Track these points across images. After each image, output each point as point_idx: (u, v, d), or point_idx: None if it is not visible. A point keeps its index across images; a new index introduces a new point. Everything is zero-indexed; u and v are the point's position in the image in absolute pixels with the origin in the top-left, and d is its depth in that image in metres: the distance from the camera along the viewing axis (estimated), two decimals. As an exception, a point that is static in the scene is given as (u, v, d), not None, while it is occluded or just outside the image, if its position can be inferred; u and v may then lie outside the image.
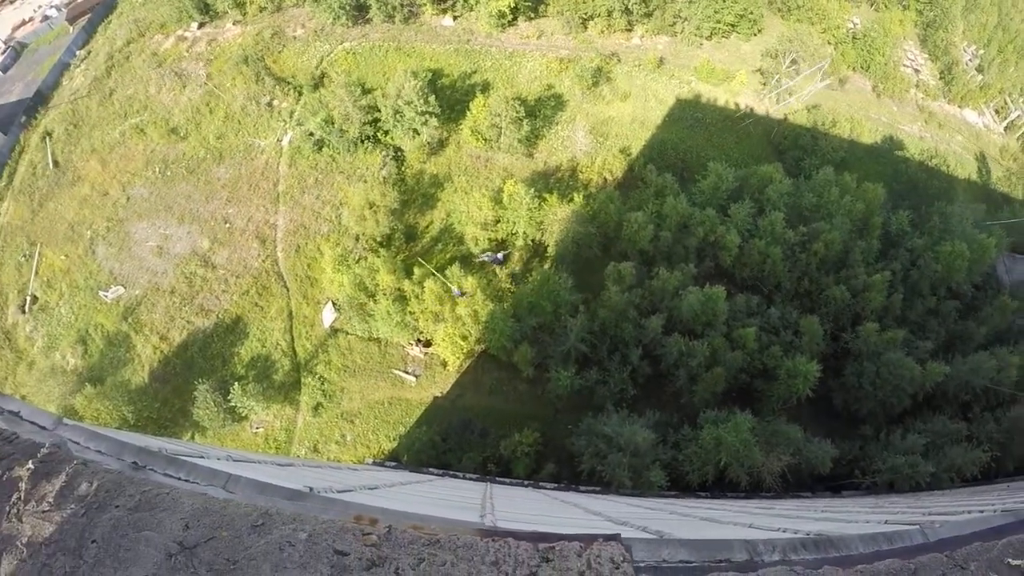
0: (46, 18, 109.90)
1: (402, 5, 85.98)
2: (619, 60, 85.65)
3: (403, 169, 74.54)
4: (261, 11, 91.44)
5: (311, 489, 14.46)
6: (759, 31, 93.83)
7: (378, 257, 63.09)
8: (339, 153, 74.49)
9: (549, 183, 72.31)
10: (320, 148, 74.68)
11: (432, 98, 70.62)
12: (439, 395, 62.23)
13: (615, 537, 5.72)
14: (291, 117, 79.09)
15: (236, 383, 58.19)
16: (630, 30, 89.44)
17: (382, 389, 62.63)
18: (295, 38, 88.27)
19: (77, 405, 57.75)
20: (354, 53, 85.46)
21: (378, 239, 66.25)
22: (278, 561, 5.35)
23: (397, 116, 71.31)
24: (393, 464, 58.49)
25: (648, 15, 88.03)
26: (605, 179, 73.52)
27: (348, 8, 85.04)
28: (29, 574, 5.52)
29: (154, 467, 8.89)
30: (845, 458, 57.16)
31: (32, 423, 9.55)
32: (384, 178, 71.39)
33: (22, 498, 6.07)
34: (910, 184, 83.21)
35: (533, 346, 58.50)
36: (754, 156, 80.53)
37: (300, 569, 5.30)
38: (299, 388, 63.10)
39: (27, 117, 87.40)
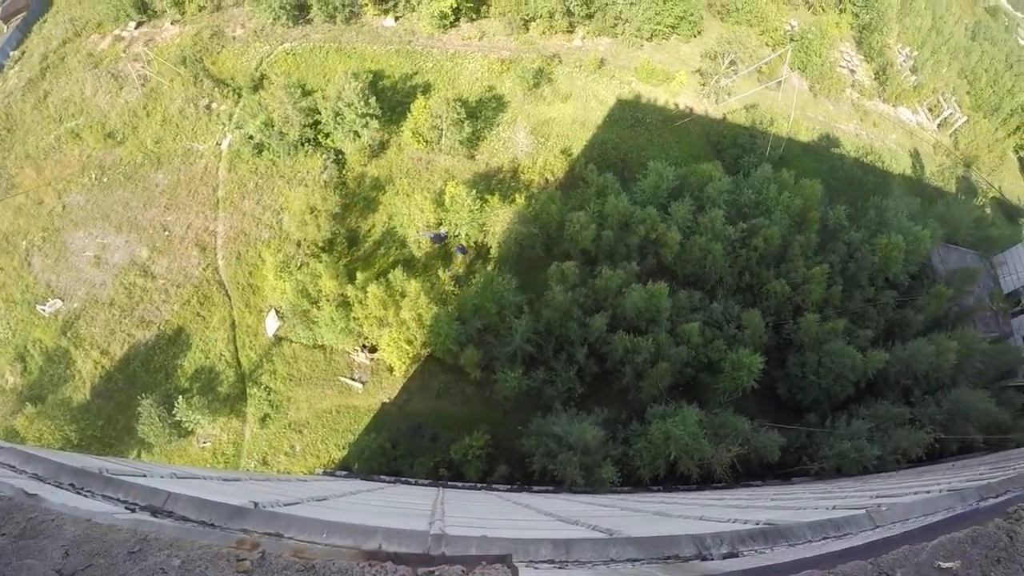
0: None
1: (343, 5, 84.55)
2: (560, 61, 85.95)
3: (344, 172, 73.44)
4: (200, 10, 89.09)
5: (256, 504, 14.06)
6: (699, 33, 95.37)
7: (320, 263, 62.18)
8: (279, 157, 73.06)
9: (491, 184, 72.16)
10: (260, 152, 73.16)
11: (373, 100, 69.65)
12: (387, 401, 61.62)
13: (503, 559, 5.60)
14: (230, 120, 77.16)
15: (180, 396, 56.73)
16: (571, 32, 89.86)
17: (329, 397, 61.78)
18: (234, 38, 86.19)
19: (18, 426, 55.76)
20: (294, 54, 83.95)
21: (320, 244, 65.26)
22: (148, 588, 5.19)
23: (338, 118, 70.11)
24: (344, 473, 57.86)
25: (589, 17, 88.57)
26: (547, 180, 73.61)
27: (288, 8, 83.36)
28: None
29: (92, 489, 8.57)
30: (793, 446, 58.52)
31: None
32: (325, 182, 70.22)
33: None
34: (847, 180, 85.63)
35: (479, 348, 58.41)
36: (694, 155, 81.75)
37: (167, 597, 5.10)
38: (245, 399, 61.82)
39: None
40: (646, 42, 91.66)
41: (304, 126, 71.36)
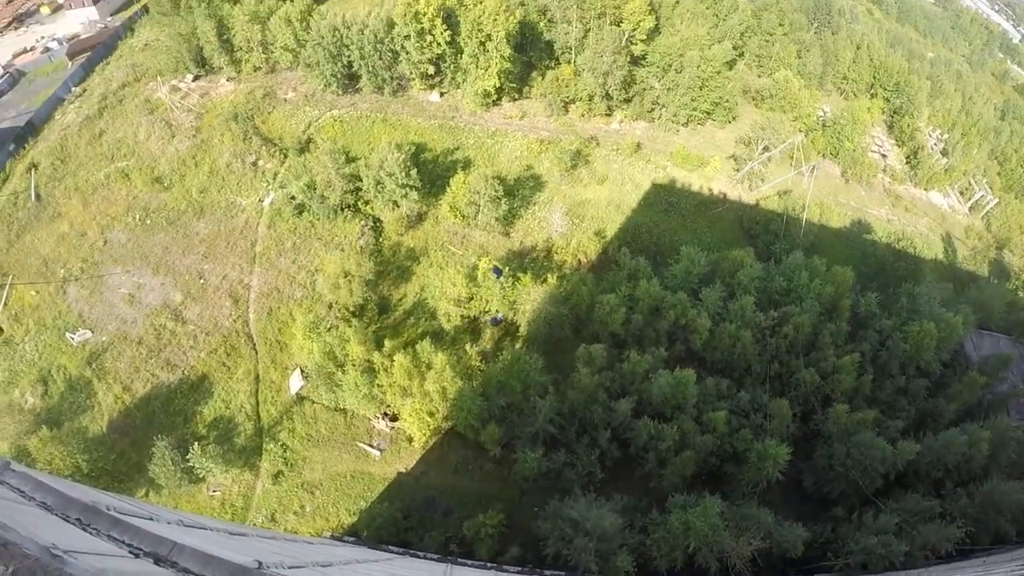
0: (47, 50, 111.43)
1: (391, 78, 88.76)
2: (598, 144, 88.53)
3: (380, 240, 75.39)
4: (255, 71, 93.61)
5: (260, 564, 14.35)
6: (733, 119, 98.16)
7: (350, 327, 63.09)
8: (319, 219, 75.26)
9: (524, 263, 73.53)
10: (300, 212, 75.48)
11: (414, 171, 72.10)
12: (403, 471, 61.39)
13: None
14: (274, 179, 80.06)
15: (196, 443, 57.08)
16: (609, 115, 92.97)
17: (345, 461, 61.69)
18: (286, 100, 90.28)
19: (31, 446, 56.01)
20: (341, 121, 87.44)
21: (351, 309, 66.38)
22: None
23: (379, 187, 72.53)
24: (352, 539, 56.94)
25: (627, 101, 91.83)
26: (579, 261, 74.86)
27: (340, 76, 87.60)
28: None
29: (98, 527, 8.69)
30: (817, 540, 56.53)
31: None
32: (361, 248, 72.13)
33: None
34: (878, 266, 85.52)
35: (501, 425, 58.39)
36: (726, 240, 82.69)
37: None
38: (260, 454, 61.98)
39: (16, 146, 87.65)
40: (682, 127, 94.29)
41: (345, 191, 73.82)
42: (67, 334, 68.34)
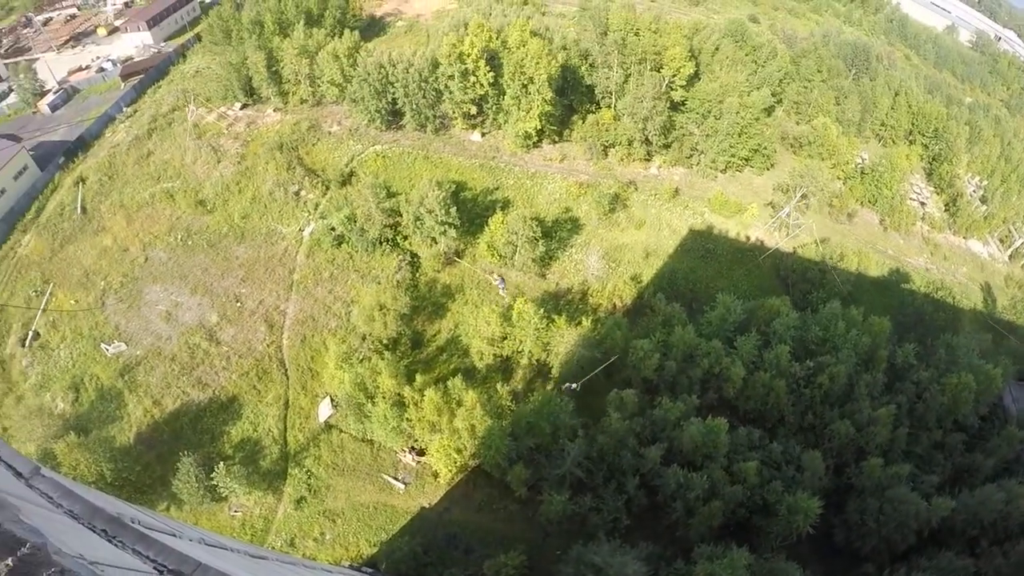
0: (101, 70, 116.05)
1: (435, 116, 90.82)
2: (636, 188, 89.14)
3: (417, 275, 76.34)
4: (302, 103, 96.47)
5: None
6: (772, 165, 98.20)
7: (382, 359, 63.57)
8: (357, 251, 76.59)
9: (559, 304, 73.82)
10: (339, 244, 76.90)
11: (453, 209, 73.19)
12: (427, 506, 61.21)
13: None
14: (315, 209, 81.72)
15: (222, 462, 57.64)
16: (648, 160, 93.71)
17: (369, 492, 61.73)
18: (330, 133, 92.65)
19: (57, 450, 56.83)
20: (384, 156, 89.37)
21: (384, 342, 67.01)
22: None
23: (418, 223, 73.77)
24: (370, 571, 56.52)
25: (667, 146, 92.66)
26: (614, 305, 74.88)
27: (384, 113, 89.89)
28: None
29: (123, 540, 8.73)
30: None
31: (9, 466, 9.59)
32: (398, 282, 72.99)
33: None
34: (916, 316, 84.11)
35: (528, 466, 58.08)
36: (762, 288, 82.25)
37: None
38: (285, 478, 62.22)
39: (65, 159, 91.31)
40: (720, 173, 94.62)
41: (385, 226, 75.16)
42: (102, 345, 69.97)
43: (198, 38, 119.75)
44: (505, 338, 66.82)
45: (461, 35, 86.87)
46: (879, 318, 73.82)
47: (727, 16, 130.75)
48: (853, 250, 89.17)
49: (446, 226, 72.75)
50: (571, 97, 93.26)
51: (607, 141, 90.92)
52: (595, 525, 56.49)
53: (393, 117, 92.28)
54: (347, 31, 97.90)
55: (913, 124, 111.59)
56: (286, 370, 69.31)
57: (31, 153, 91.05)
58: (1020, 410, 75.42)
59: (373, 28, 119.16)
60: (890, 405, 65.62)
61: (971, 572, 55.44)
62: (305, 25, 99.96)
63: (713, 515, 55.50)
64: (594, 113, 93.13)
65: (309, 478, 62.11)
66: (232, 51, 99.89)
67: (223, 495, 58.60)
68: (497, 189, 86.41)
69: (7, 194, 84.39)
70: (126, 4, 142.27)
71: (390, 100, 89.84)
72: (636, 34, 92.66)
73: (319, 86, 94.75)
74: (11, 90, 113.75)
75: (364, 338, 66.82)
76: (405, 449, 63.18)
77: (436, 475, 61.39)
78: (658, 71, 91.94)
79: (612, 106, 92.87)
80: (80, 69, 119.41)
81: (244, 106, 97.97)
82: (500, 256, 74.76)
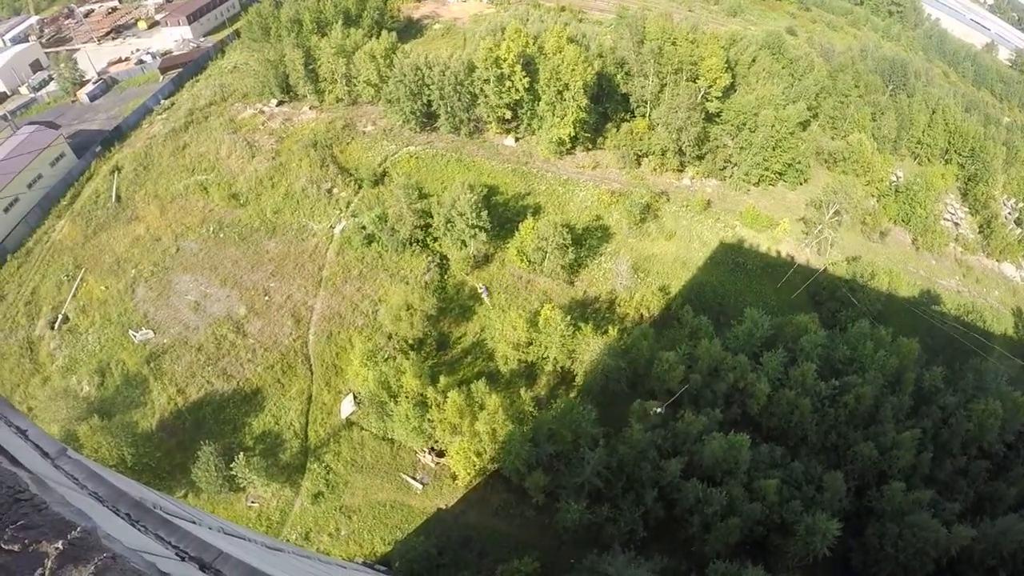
0: (141, 62, 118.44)
1: (469, 120, 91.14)
2: (668, 199, 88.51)
3: (445, 277, 76.47)
4: (337, 102, 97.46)
5: None
6: (805, 180, 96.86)
7: (407, 359, 63.71)
8: (387, 251, 76.93)
9: (586, 312, 73.34)
10: (369, 243, 77.31)
11: (484, 213, 73.23)
12: (443, 507, 61.11)
13: None
14: (347, 207, 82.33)
15: (242, 453, 58.10)
16: (681, 170, 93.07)
17: (386, 491, 61.83)
18: (364, 133, 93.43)
19: (80, 432, 57.81)
20: (417, 157, 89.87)
21: (410, 342, 67.15)
22: None
23: (448, 225, 73.94)
24: (383, 569, 56.59)
25: (700, 158, 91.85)
26: (641, 315, 74.21)
27: (418, 114, 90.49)
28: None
29: (146, 524, 8.67)
30: None
31: (36, 446, 9.56)
32: (426, 283, 73.25)
33: (46, 576, 5.89)
34: (946, 339, 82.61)
35: (547, 473, 57.86)
36: (791, 304, 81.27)
37: None
38: (303, 472, 62.58)
39: (102, 148, 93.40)
40: (753, 187, 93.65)
41: (415, 226, 75.43)
42: (130, 331, 71.16)
43: (237, 34, 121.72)
44: (531, 344, 66.54)
45: (498, 39, 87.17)
46: (908, 339, 72.77)
47: (764, 28, 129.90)
48: (884, 269, 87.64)
49: (476, 229, 72.81)
50: (606, 105, 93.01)
51: (640, 150, 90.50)
52: (611, 536, 56.10)
53: (427, 119, 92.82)
54: (384, 32, 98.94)
55: (949, 143, 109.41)
56: (311, 365, 69.73)
57: (69, 141, 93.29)
58: (1047, 439, 73.33)
59: (410, 30, 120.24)
60: (915, 429, 64.73)
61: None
62: (343, 25, 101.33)
63: (730, 532, 54.88)
64: (628, 122, 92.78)
65: (328, 473, 62.35)
66: (270, 48, 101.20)
67: (241, 485, 59.09)
68: (529, 194, 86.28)
69: (43, 179, 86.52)
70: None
71: (425, 102, 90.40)
72: (673, 43, 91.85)
73: (355, 86, 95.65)
74: (51, 79, 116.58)
75: (390, 337, 67.03)
76: (425, 449, 63.16)
77: (454, 477, 61.29)
78: (694, 81, 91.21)
79: (647, 115, 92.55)
80: (120, 61, 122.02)
81: (280, 103, 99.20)
82: (529, 262, 74.53)
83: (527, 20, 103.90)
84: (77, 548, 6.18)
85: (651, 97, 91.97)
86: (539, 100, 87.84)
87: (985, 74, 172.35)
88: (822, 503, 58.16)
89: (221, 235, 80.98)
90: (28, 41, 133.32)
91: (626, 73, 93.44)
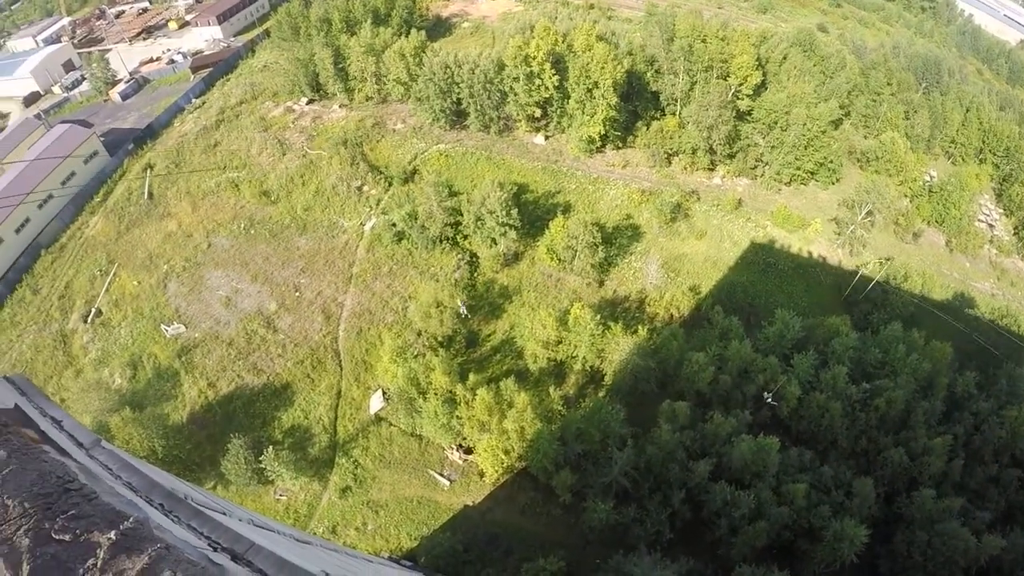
0: (172, 62, 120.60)
1: (499, 118, 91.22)
2: (699, 198, 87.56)
3: (475, 275, 76.69)
4: (367, 100, 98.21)
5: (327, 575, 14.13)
6: (837, 180, 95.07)
7: (436, 356, 63.96)
8: (417, 248, 77.37)
9: (616, 312, 72.95)
10: (400, 240, 77.78)
11: (514, 211, 73.29)
12: (470, 504, 61.25)
13: None
14: (377, 205, 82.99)
15: (271, 447, 58.89)
16: (712, 169, 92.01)
17: (414, 486, 62.16)
18: (394, 131, 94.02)
19: (111, 424, 58.92)
20: (447, 155, 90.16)
21: (439, 339, 67.43)
22: None
23: (478, 223, 74.07)
24: (409, 564, 56.86)
25: (731, 156, 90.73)
26: (671, 315, 73.68)
27: (448, 112, 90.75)
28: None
29: (179, 515, 8.77)
30: None
31: (71, 436, 9.73)
32: (456, 280, 73.54)
33: (98, 566, 5.92)
34: (980, 344, 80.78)
35: (575, 473, 57.65)
36: (823, 306, 79.97)
37: None
38: (332, 467, 63.25)
39: (135, 146, 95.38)
40: (784, 186, 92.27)
41: (445, 224, 75.69)
42: (162, 325, 72.51)
43: (267, 34, 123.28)
44: (560, 342, 66.44)
45: (527, 37, 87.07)
46: (941, 343, 71.31)
47: (795, 24, 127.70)
48: (917, 271, 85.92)
49: (506, 227, 72.98)
50: (635, 103, 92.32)
51: (671, 149, 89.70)
52: (637, 536, 55.72)
53: (457, 117, 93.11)
54: (413, 31, 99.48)
55: (984, 142, 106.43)
56: (340, 361, 70.39)
57: (102, 139, 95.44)
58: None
59: (439, 28, 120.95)
60: (947, 435, 63.33)
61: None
62: (372, 24, 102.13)
63: (757, 535, 54.16)
64: (658, 120, 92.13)
65: (356, 468, 62.92)
66: (300, 47, 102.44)
67: (270, 478, 59.95)
68: (559, 193, 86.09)
69: (77, 177, 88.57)
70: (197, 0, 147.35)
71: (455, 100, 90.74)
72: (703, 41, 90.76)
73: (385, 84, 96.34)
74: (83, 78, 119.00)
75: (419, 334, 67.39)
76: (453, 446, 63.38)
77: (482, 474, 61.42)
78: (724, 79, 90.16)
79: (677, 113, 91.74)
80: (151, 60, 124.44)
81: (310, 101, 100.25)
82: (559, 260, 74.34)
83: (556, 18, 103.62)
84: (129, 539, 6.28)
85: (681, 95, 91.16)
86: (569, 98, 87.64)
87: (1020, 71, 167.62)
88: (851, 509, 57.16)
89: (252, 232, 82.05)
90: (60, 42, 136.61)
91: (656, 71, 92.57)
